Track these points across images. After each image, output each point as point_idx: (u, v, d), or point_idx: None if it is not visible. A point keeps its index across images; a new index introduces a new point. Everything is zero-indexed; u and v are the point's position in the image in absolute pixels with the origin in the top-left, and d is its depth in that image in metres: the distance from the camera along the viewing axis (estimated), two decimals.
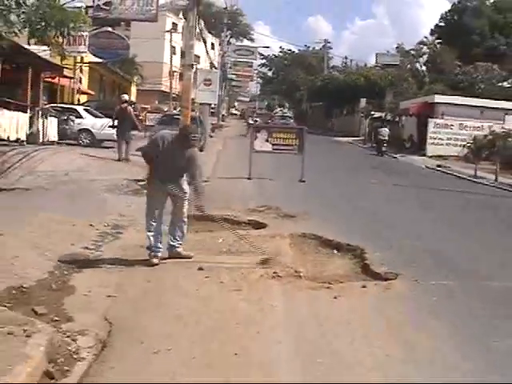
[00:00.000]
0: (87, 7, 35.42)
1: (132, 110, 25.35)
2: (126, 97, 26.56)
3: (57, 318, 6.62)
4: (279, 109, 78.57)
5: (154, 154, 9.31)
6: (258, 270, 9.00)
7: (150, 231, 9.43)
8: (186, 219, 9.72)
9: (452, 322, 7.30)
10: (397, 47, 73.36)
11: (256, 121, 53.97)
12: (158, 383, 4.61)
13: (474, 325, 7.27)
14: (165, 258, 9.45)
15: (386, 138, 40.76)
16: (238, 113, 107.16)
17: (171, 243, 9.65)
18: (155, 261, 9.26)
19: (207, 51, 60.80)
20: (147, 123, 39.84)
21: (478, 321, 7.42)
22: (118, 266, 8.90)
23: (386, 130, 41.54)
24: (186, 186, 9.66)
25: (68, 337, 6.11)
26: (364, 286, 8.49)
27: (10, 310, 6.55)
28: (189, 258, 9.54)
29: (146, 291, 7.92)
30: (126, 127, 23.91)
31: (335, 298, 7.92)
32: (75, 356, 5.77)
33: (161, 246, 9.46)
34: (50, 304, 7.09)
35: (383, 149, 40.29)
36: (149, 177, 9.75)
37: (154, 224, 9.46)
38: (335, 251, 10.66)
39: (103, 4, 36.93)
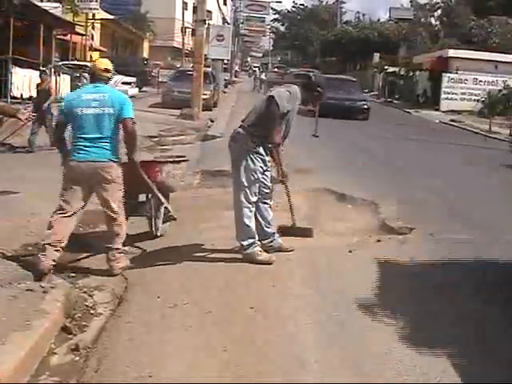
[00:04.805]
0: None
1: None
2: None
3: (73, 274, 6.69)
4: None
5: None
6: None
7: (249, 217, 7.36)
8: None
9: (464, 274, 7.31)
10: (411, 1, 72.26)
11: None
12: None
13: (488, 275, 7.30)
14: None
15: None
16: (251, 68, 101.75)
17: (268, 230, 7.72)
18: (274, 258, 7.42)
19: (219, 6, 60.36)
20: (160, 79, 39.71)
21: (490, 271, 7.44)
22: (131, 222, 8.89)
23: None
24: None
25: (85, 292, 6.16)
26: (378, 240, 8.51)
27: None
28: (290, 251, 7.79)
29: (160, 246, 7.96)
30: None
31: (350, 252, 7.93)
32: (92, 311, 5.83)
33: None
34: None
35: None
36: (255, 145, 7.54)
37: (253, 208, 7.42)
38: (349, 206, 10.65)
39: None
